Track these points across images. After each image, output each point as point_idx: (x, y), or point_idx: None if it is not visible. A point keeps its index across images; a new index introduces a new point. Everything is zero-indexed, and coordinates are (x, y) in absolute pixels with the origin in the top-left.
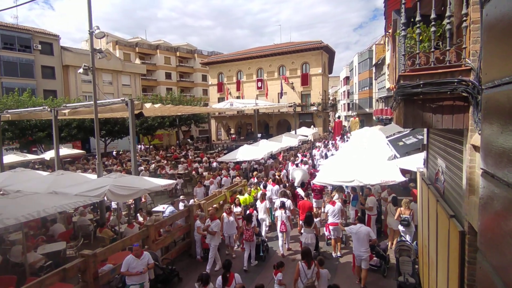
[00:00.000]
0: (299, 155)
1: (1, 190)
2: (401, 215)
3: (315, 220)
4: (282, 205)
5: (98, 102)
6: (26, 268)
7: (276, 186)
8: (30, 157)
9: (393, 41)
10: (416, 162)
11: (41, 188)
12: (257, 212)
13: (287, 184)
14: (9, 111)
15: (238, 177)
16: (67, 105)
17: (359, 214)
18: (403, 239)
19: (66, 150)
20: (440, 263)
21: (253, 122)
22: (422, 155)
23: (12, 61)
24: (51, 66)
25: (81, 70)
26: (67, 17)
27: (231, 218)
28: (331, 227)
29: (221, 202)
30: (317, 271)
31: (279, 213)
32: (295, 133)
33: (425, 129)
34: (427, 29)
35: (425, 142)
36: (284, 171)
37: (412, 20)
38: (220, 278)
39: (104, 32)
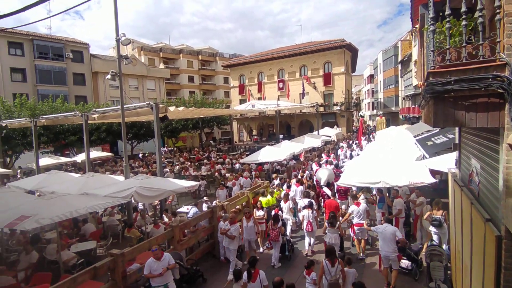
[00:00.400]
0: (323, 155)
1: (38, 192)
2: (432, 216)
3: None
4: (310, 205)
5: (124, 106)
6: (61, 265)
7: (300, 187)
8: (63, 160)
9: (420, 37)
10: (447, 162)
11: (73, 189)
12: (282, 212)
13: (309, 185)
14: (44, 116)
15: (257, 179)
16: (96, 110)
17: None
18: (434, 243)
19: (96, 153)
20: (475, 269)
21: (275, 123)
22: (453, 155)
23: (46, 70)
24: (81, 73)
25: (109, 76)
26: (95, 26)
27: (250, 223)
28: (356, 228)
29: (243, 203)
30: (341, 269)
31: (306, 213)
32: (318, 133)
33: (457, 128)
34: (457, 23)
35: (456, 141)
36: (308, 172)
37: (441, 14)
38: (245, 273)
39: (130, 39)
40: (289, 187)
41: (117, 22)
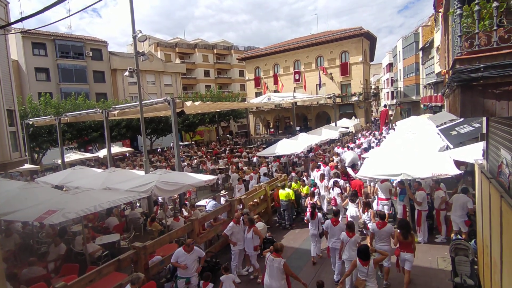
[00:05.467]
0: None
1: (64, 187)
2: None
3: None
4: (334, 184)
5: (143, 102)
6: (87, 257)
7: (327, 167)
8: (87, 155)
9: (444, 22)
10: (473, 153)
11: (97, 184)
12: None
13: (338, 166)
14: (67, 114)
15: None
16: (116, 106)
17: (407, 209)
18: (459, 237)
19: (117, 148)
20: (506, 265)
21: (291, 115)
22: (480, 146)
23: (68, 68)
24: (101, 70)
25: (127, 73)
26: (112, 23)
27: (249, 235)
28: (380, 202)
29: (261, 196)
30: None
31: (331, 190)
32: (335, 125)
33: (485, 117)
34: (487, 4)
35: (484, 131)
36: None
37: None
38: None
39: (146, 35)
40: (319, 167)
41: (133, 19)
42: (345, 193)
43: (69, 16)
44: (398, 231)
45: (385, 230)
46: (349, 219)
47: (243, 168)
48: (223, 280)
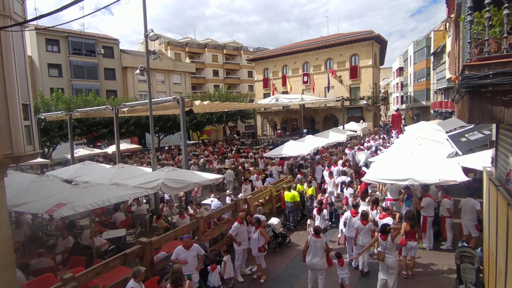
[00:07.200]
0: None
1: (73, 181)
2: None
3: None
4: (349, 184)
5: (152, 100)
6: (93, 250)
7: (337, 167)
8: (96, 151)
9: (455, 27)
10: (481, 160)
11: (105, 179)
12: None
13: (351, 165)
14: (78, 110)
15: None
16: (126, 103)
17: (413, 213)
18: (465, 244)
19: (125, 145)
20: (510, 273)
21: (299, 117)
22: (489, 153)
23: (80, 65)
24: (112, 68)
25: (138, 71)
26: (124, 21)
27: (255, 235)
28: (388, 202)
29: (266, 197)
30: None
31: (344, 189)
32: (343, 128)
33: (494, 124)
34: (498, 12)
35: (493, 138)
36: (348, 157)
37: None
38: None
39: (157, 35)
40: (329, 166)
41: (145, 18)
42: (356, 192)
43: (83, 16)
44: (406, 222)
45: (384, 221)
46: None
47: (249, 168)
48: (226, 260)
